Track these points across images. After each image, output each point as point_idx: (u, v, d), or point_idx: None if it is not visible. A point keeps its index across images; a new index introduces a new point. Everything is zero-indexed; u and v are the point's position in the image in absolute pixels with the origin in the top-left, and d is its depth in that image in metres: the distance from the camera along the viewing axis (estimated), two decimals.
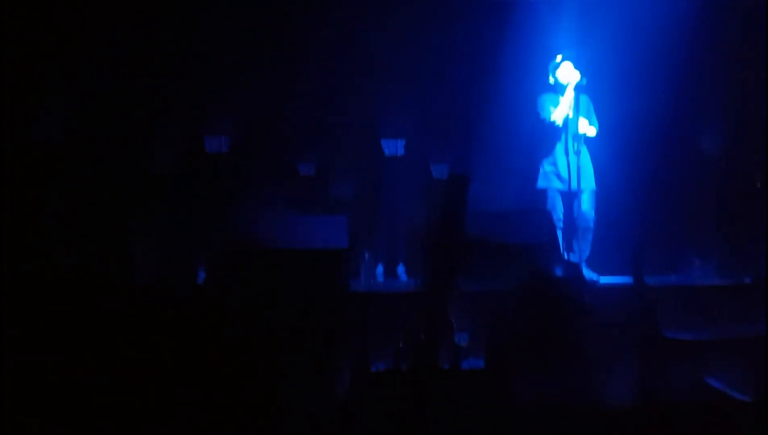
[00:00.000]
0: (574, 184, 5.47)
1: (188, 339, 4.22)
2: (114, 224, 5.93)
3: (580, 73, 5.57)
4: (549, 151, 5.68)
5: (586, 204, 5.57)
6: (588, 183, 5.61)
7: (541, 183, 5.72)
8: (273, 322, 4.29)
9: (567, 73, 5.61)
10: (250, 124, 6.57)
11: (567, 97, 5.54)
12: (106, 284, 4.63)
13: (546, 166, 5.70)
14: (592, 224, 5.60)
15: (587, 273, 5.40)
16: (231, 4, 6.37)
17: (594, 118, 5.72)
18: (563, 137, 5.59)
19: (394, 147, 6.78)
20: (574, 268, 4.85)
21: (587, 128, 5.65)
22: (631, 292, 4.30)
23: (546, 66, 5.83)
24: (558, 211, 5.62)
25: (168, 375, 4.03)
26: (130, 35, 6.09)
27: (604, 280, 5.47)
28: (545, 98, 5.70)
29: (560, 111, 5.57)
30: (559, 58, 5.72)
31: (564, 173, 5.54)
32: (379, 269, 6.46)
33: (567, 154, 5.53)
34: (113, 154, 6.16)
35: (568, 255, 5.51)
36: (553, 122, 5.59)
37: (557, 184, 5.61)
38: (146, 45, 6.20)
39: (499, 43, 6.54)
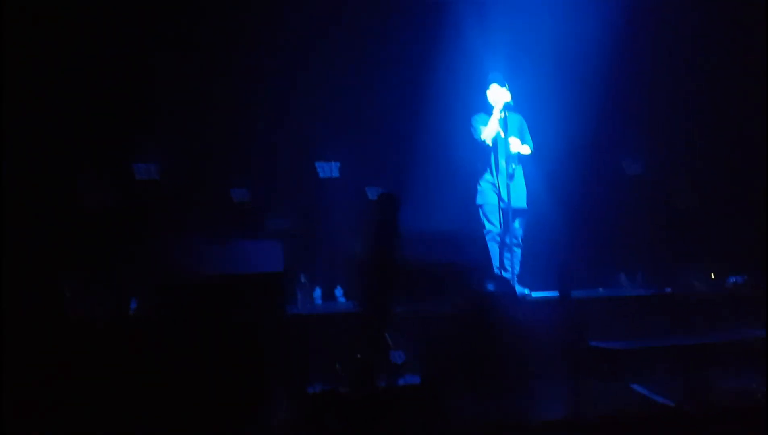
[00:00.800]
0: (510, 201, 5.62)
1: (121, 370, 4.16)
2: (42, 257, 5.79)
3: (510, 94, 5.74)
4: (485, 169, 5.83)
5: (517, 221, 5.72)
6: (519, 201, 5.77)
7: (479, 199, 5.86)
8: (209, 347, 4.26)
9: (495, 94, 5.79)
10: (181, 150, 6.51)
11: (494, 117, 5.71)
12: (36, 317, 4.54)
13: (483, 184, 5.84)
14: (521, 241, 5.76)
15: (519, 289, 5.54)
16: (159, 29, 6.31)
17: (528, 138, 5.90)
18: (498, 156, 5.75)
19: (328, 169, 6.82)
20: (506, 284, 4.98)
21: (520, 147, 5.81)
22: (559, 305, 4.44)
23: (478, 87, 6.00)
24: (495, 226, 5.76)
25: (102, 406, 3.97)
26: (56, 63, 5.99)
27: (536, 295, 5.62)
28: (478, 118, 5.87)
29: (489, 130, 5.72)
30: (491, 81, 5.89)
31: (503, 189, 5.68)
32: (317, 292, 6.46)
33: (499, 172, 5.68)
34: (40, 185, 6.02)
35: (501, 271, 5.65)
36: (484, 141, 5.74)
37: (495, 201, 5.75)
38: (73, 73, 6.10)
39: (433, 65, 6.71)
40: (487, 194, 5.81)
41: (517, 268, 5.70)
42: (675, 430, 4.05)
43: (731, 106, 7.07)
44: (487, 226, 5.77)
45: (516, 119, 5.86)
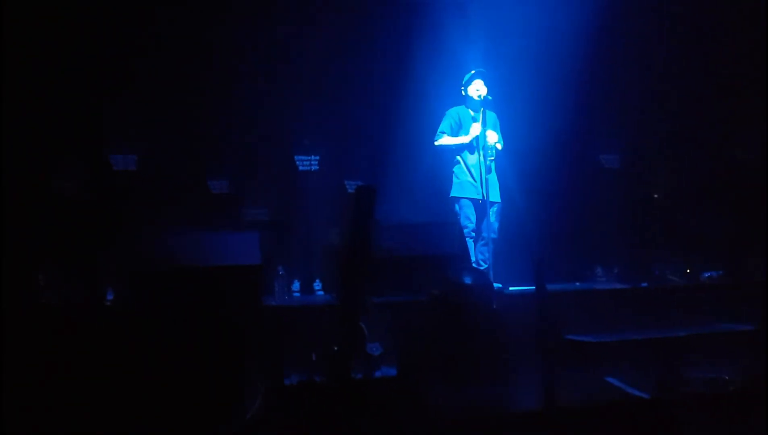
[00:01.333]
0: (486, 195, 5.64)
1: (97, 359, 4.13)
2: (20, 246, 5.72)
3: (488, 90, 5.77)
4: (463, 162, 5.83)
5: (493, 215, 5.75)
6: (494, 195, 5.79)
7: (455, 192, 5.86)
8: (184, 338, 4.23)
9: (476, 89, 5.81)
10: (160, 142, 6.46)
11: (475, 127, 5.74)
12: (12, 306, 4.49)
13: (460, 177, 5.85)
14: (496, 235, 5.77)
15: (495, 283, 5.56)
16: (139, 19, 6.25)
17: (499, 134, 5.93)
18: (475, 150, 5.77)
19: (308, 163, 6.81)
20: (483, 277, 4.99)
21: (496, 143, 5.83)
22: (535, 298, 4.46)
23: (455, 81, 6.01)
24: (471, 221, 5.77)
25: (76, 395, 3.94)
26: (34, 52, 5.92)
27: (512, 289, 5.64)
28: (454, 112, 5.89)
29: (475, 128, 5.74)
30: (472, 72, 5.90)
31: (477, 184, 5.70)
32: (296, 285, 6.46)
33: (480, 165, 5.70)
34: (16, 175, 5.95)
35: (478, 264, 5.67)
36: (438, 138, 5.78)
37: (471, 194, 5.76)
38: (51, 62, 6.03)
39: (412, 59, 6.72)
40: (464, 188, 5.82)
41: (490, 260, 5.70)
42: (649, 422, 4.09)
43: (708, 100, 7.15)
44: (463, 221, 5.79)
45: (491, 115, 5.88)
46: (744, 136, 6.95)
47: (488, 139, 5.75)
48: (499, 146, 5.87)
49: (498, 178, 5.89)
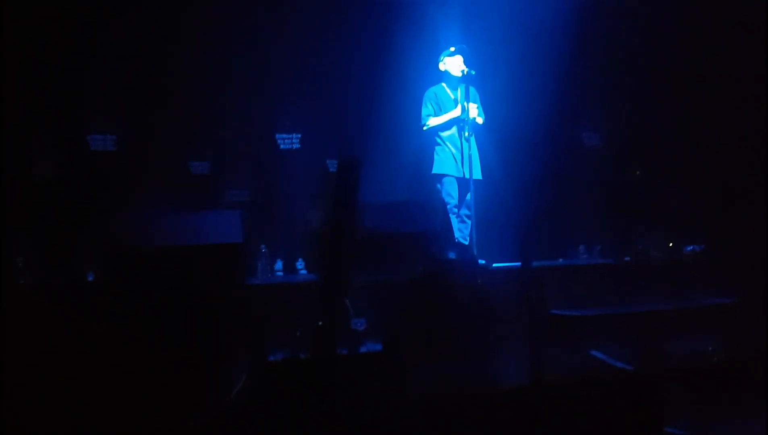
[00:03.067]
0: (467, 172, 5.61)
1: (79, 340, 4.07)
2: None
3: (469, 66, 5.73)
4: (443, 139, 5.80)
5: (469, 194, 5.71)
6: (476, 173, 5.77)
7: (436, 169, 5.83)
8: (167, 317, 4.19)
9: (458, 65, 5.76)
10: (139, 122, 6.38)
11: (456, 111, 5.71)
12: None
13: (441, 153, 5.81)
14: (473, 211, 5.74)
15: (479, 259, 5.55)
16: (120, 2, 6.16)
17: (480, 109, 5.90)
18: (455, 126, 5.73)
19: (289, 141, 6.76)
20: (467, 251, 4.98)
21: (477, 117, 5.80)
22: (520, 274, 4.46)
23: (436, 60, 5.96)
24: (453, 198, 5.74)
25: (61, 376, 3.89)
26: (11, 32, 5.79)
27: (495, 265, 5.64)
28: (431, 93, 5.85)
29: (458, 109, 5.70)
30: (452, 49, 5.86)
31: (459, 160, 5.67)
32: (278, 265, 6.43)
33: (460, 141, 5.66)
34: None
35: (461, 240, 5.65)
36: (425, 122, 5.76)
37: (452, 171, 5.73)
38: (29, 42, 5.91)
39: (392, 37, 6.66)
40: (446, 165, 5.79)
41: (470, 238, 5.69)
42: (633, 393, 4.11)
43: (688, 77, 7.16)
44: (444, 197, 5.76)
45: (472, 91, 5.85)
46: (724, 115, 6.99)
47: (470, 112, 5.71)
48: (479, 120, 5.83)
49: (479, 155, 5.87)
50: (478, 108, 5.82)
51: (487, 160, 5.98)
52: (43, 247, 5.68)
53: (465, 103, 5.68)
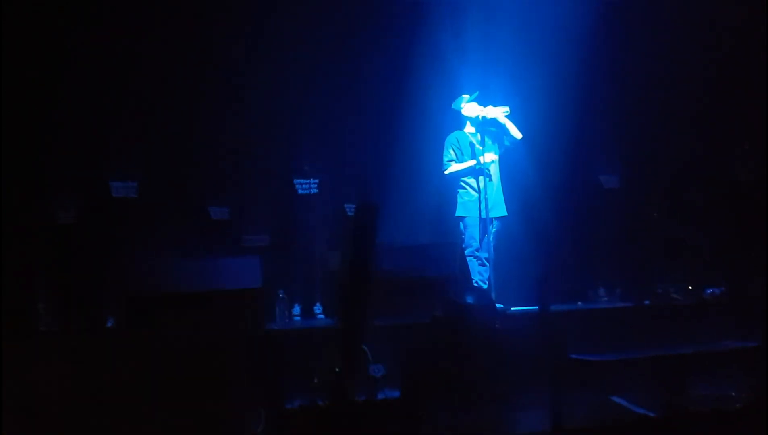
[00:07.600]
0: (487, 213, 5.64)
1: (98, 385, 4.10)
2: (19, 274, 5.71)
3: (500, 103, 5.80)
4: (465, 183, 5.85)
5: (492, 234, 5.73)
6: (500, 210, 5.80)
7: (460, 211, 5.86)
8: (187, 362, 4.21)
9: (476, 110, 5.84)
10: (160, 168, 6.47)
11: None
12: (12, 333, 4.47)
13: (464, 196, 5.86)
14: (492, 255, 5.74)
15: (497, 303, 5.53)
16: (136, 45, 6.29)
17: (507, 130, 5.90)
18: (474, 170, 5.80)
19: (307, 187, 6.82)
20: (485, 296, 4.97)
21: (516, 133, 5.86)
22: (538, 317, 4.44)
23: (453, 100, 6.03)
24: (476, 240, 5.76)
25: (80, 422, 3.91)
26: (33, 77, 5.93)
27: (514, 309, 5.62)
28: (453, 138, 5.92)
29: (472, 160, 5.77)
30: (465, 97, 5.93)
31: (481, 203, 5.70)
32: (296, 309, 6.43)
33: (478, 186, 5.71)
34: (19, 201, 5.95)
35: (480, 283, 5.64)
36: (447, 166, 5.82)
37: (476, 213, 5.76)
38: (50, 88, 6.05)
39: (411, 83, 6.75)
40: (469, 208, 5.82)
41: (492, 281, 5.67)
42: None
43: (710, 119, 7.16)
44: (467, 240, 5.78)
45: (490, 133, 5.89)
46: (743, 155, 6.96)
47: (485, 159, 5.78)
48: (519, 135, 5.87)
49: (503, 188, 5.90)
50: (507, 133, 5.85)
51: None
52: (64, 293, 5.73)
53: (480, 157, 5.73)
